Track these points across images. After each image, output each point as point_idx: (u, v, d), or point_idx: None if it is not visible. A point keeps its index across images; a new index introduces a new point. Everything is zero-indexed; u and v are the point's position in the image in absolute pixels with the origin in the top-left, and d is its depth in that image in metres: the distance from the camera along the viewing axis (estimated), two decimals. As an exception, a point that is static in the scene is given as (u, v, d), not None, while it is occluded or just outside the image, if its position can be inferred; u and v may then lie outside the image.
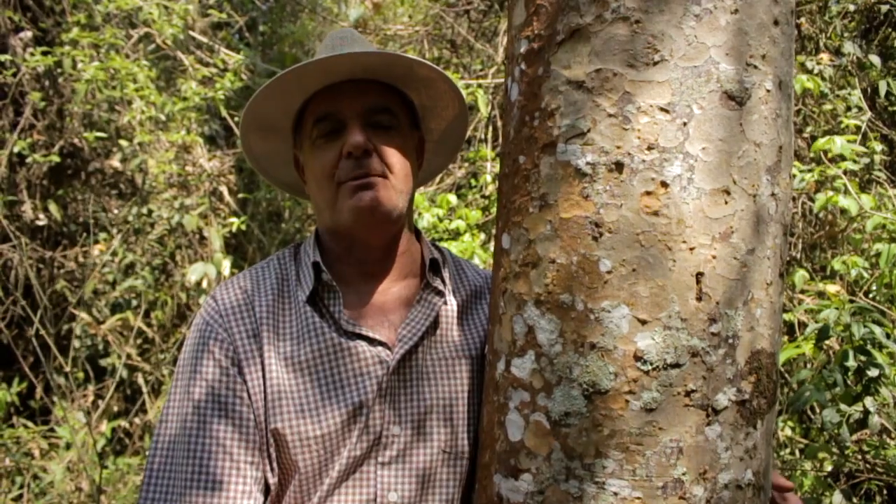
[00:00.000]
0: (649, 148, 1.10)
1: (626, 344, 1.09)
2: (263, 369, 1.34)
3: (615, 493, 1.09)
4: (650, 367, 1.09)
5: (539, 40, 1.20)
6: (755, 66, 1.14)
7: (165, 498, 1.29)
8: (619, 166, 1.11)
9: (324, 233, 1.49)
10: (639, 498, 1.08)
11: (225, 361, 1.33)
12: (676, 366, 1.09)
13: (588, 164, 1.12)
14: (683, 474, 1.09)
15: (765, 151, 1.15)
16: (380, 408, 1.34)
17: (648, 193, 1.10)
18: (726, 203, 1.11)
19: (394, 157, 1.41)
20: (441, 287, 1.46)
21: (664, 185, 1.10)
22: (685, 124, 1.10)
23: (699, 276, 1.10)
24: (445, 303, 1.47)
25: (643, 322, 1.09)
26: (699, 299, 1.10)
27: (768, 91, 1.16)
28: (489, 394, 1.26)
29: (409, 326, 1.40)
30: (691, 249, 1.10)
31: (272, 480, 1.32)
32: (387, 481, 1.33)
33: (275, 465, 1.32)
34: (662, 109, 1.10)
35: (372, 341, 1.38)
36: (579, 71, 1.14)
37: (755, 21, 1.15)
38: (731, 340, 1.12)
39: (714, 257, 1.11)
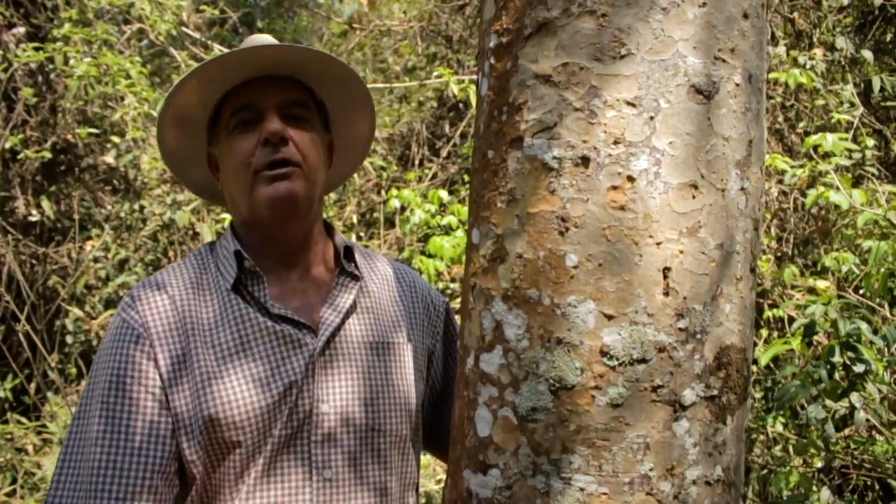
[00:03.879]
0: (615, 142, 1.09)
1: (592, 339, 1.09)
2: (187, 361, 1.36)
3: (582, 489, 1.08)
4: (616, 363, 1.08)
5: (507, 35, 1.19)
6: (724, 60, 1.14)
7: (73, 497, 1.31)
8: (585, 161, 1.10)
9: (240, 226, 1.52)
10: (605, 493, 1.08)
11: (140, 357, 1.35)
12: (643, 361, 1.08)
13: (554, 158, 1.12)
14: (650, 470, 1.08)
15: (734, 146, 1.15)
16: (308, 388, 1.39)
17: (615, 188, 1.09)
18: (694, 197, 1.11)
19: (308, 148, 1.46)
20: (356, 272, 1.52)
21: (630, 179, 1.09)
22: (652, 118, 1.09)
23: (666, 270, 1.09)
24: (362, 287, 1.53)
25: (609, 317, 1.08)
26: (666, 294, 1.09)
27: (737, 85, 1.15)
28: (460, 389, 1.26)
29: (330, 309, 1.46)
30: (658, 244, 1.09)
31: (197, 470, 1.34)
32: (321, 459, 1.38)
33: (201, 452, 1.34)
34: (629, 103, 1.10)
35: (297, 324, 1.42)
36: (546, 65, 1.13)
37: (724, 14, 1.14)
38: (698, 336, 1.11)
39: (681, 252, 1.10)
